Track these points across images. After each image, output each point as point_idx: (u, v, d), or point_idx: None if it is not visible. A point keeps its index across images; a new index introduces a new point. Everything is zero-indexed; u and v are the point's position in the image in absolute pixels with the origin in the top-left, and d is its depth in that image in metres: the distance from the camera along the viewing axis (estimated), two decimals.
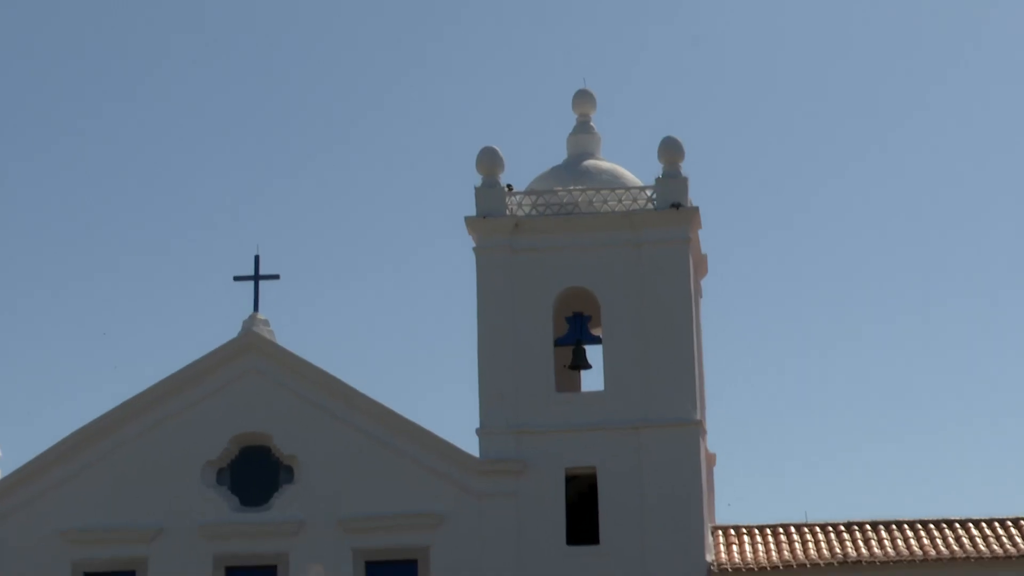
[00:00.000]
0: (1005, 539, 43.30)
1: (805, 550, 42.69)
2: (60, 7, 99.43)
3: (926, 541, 43.19)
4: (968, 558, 41.93)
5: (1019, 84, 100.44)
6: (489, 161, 43.31)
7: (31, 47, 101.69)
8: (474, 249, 43.10)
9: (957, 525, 44.37)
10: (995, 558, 41.95)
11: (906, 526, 44.41)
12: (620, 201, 42.99)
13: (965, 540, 43.27)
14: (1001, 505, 44.89)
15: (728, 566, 41.27)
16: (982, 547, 42.46)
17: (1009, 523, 44.52)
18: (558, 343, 42.76)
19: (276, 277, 43.84)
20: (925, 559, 41.76)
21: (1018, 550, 42.19)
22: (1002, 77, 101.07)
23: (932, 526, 44.29)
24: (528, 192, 44.05)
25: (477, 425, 41.83)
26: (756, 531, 44.45)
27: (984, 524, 44.57)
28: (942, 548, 42.48)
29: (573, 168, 44.83)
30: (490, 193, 43.08)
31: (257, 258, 43.65)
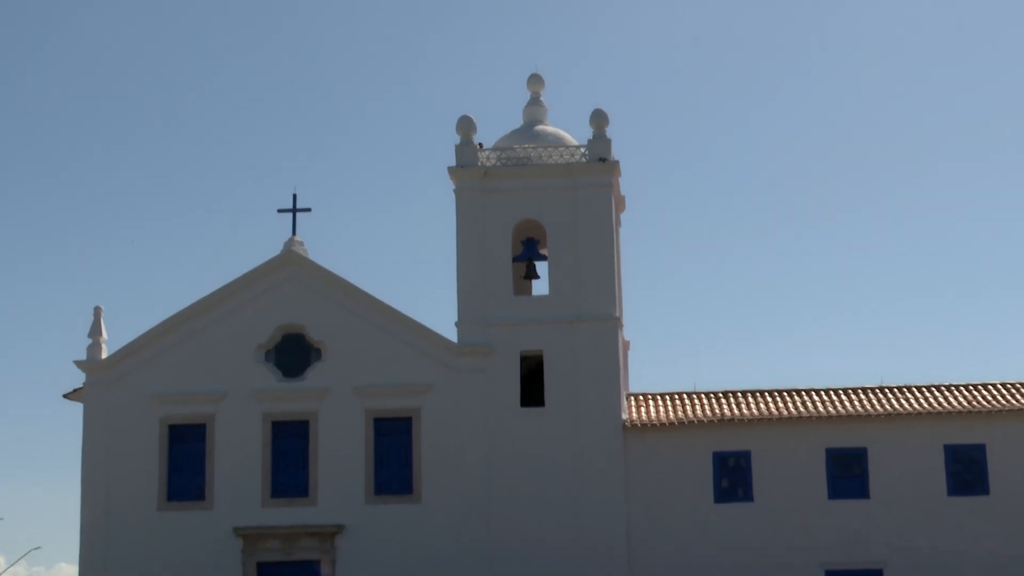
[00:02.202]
0: (849, 402, 45.07)
1: (694, 410, 44.74)
2: None
3: (789, 404, 45.14)
4: (819, 416, 43.73)
5: None
6: (465, 125, 45.47)
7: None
8: (454, 191, 45.27)
9: (814, 393, 46.14)
10: (839, 416, 43.75)
11: (776, 394, 46.26)
12: (561, 156, 45.27)
13: (819, 403, 45.14)
14: (857, 379, 47.16)
15: (637, 422, 43.55)
16: (831, 410, 44.28)
17: (858, 390, 46.23)
18: (515, 260, 45.13)
19: (308, 210, 45.93)
20: (782, 417, 43.64)
21: (850, 411, 44.05)
22: None
23: (795, 393, 46.27)
24: (494, 148, 46.04)
25: (455, 319, 44.35)
26: (659, 396, 46.39)
27: (840, 391, 46.19)
28: (801, 409, 44.45)
29: (527, 131, 46.92)
30: (466, 149, 45.26)
31: (295, 196, 45.67)
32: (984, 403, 44.53)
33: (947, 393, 45.92)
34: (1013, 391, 45.71)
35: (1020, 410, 43.48)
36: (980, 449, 43.37)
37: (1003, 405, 44.03)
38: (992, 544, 42.53)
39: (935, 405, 44.59)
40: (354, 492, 43.36)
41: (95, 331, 45.06)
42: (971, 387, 46.47)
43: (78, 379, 44.87)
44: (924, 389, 46.44)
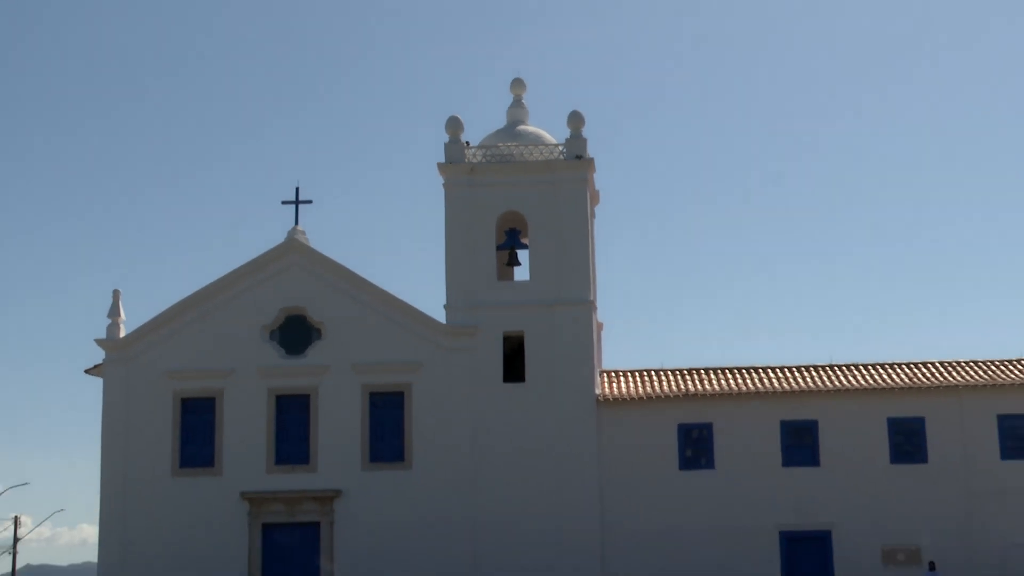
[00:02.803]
0: (801, 379, 45.12)
1: (661, 386, 44.97)
2: None
3: (747, 380, 45.35)
4: (774, 391, 43.90)
5: None
6: (453, 125, 45.42)
7: None
8: (443, 185, 45.20)
9: (770, 370, 46.27)
10: (792, 392, 43.78)
11: (735, 371, 46.37)
12: (541, 154, 45.34)
13: (774, 379, 45.28)
14: (809, 357, 47.73)
15: (610, 396, 43.84)
16: (785, 385, 44.42)
17: (810, 367, 46.34)
18: (499, 248, 45.21)
19: (310, 202, 46.21)
20: (741, 392, 43.83)
21: (802, 387, 44.08)
22: None
23: (753, 370, 46.40)
24: (479, 146, 46.00)
25: (444, 302, 44.34)
26: (629, 373, 46.68)
27: (793, 369, 46.34)
28: (758, 385, 44.68)
29: (510, 131, 46.92)
30: (454, 147, 45.23)
31: (297, 189, 45.82)
32: (923, 380, 44.87)
33: (890, 370, 46.23)
34: (950, 369, 46.11)
35: (955, 386, 43.86)
36: (920, 422, 43.66)
37: (940, 382, 44.40)
38: (930, 508, 42.92)
39: (879, 381, 44.94)
40: (351, 460, 43.49)
41: (114, 312, 45.16)
42: (912, 365, 46.73)
43: (98, 356, 44.98)
44: (869, 367, 46.71)
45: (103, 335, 44.69)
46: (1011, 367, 46.00)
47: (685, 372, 46.99)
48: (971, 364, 46.57)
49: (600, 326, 46.57)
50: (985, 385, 43.78)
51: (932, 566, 41.68)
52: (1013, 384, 43.76)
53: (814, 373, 46.24)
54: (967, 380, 44.43)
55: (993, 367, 46.11)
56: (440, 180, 45.65)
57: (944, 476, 43.14)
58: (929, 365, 46.64)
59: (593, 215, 47.55)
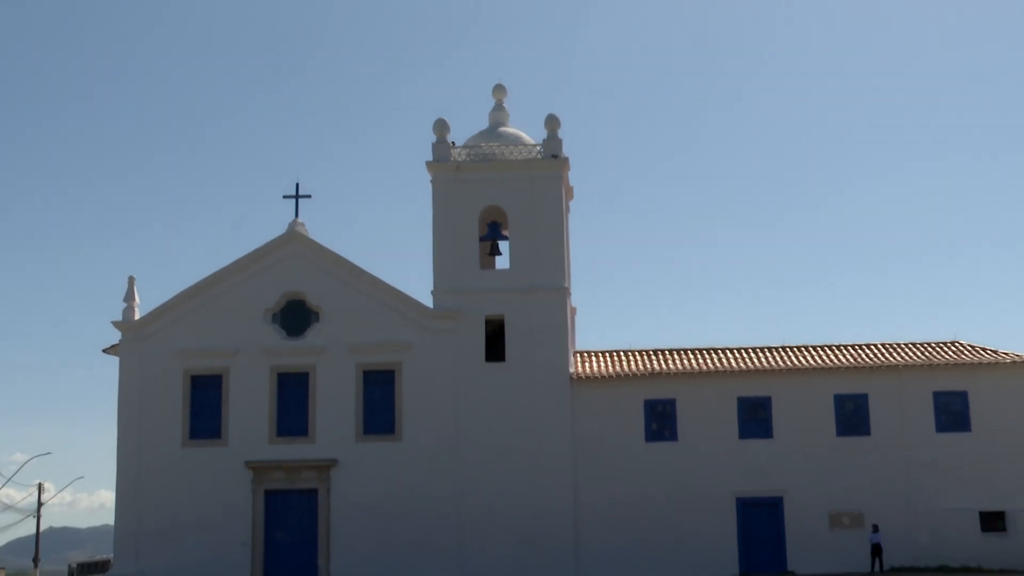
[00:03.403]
0: (757, 359, 45.19)
1: (629, 365, 45.18)
2: None
3: (707, 360, 45.44)
4: (732, 370, 43.89)
5: None
6: (440, 127, 45.37)
7: None
8: (431, 181, 45.10)
9: (728, 351, 46.34)
10: (748, 371, 43.91)
11: (697, 351, 46.47)
12: (520, 153, 45.35)
13: (732, 359, 45.28)
14: (764, 339, 47.82)
15: (582, 374, 43.84)
16: (742, 365, 44.49)
17: (764, 349, 46.35)
18: (482, 239, 45.27)
19: (309, 196, 46.02)
20: (702, 371, 43.94)
21: (758, 366, 44.12)
22: None
23: (713, 351, 46.41)
24: (464, 146, 45.94)
25: (431, 288, 44.33)
26: (600, 353, 46.69)
27: (749, 349, 46.46)
28: (717, 364, 44.77)
29: (492, 132, 46.89)
30: (441, 147, 45.22)
31: (297, 184, 45.70)
32: (866, 360, 45.07)
33: (837, 351, 46.39)
34: (890, 350, 46.31)
35: (895, 366, 44.11)
36: (863, 398, 43.87)
37: (882, 362, 44.61)
38: (872, 476, 43.22)
39: (826, 361, 45.10)
40: (346, 432, 43.48)
41: (129, 297, 45.08)
42: (856, 347, 46.91)
43: (115, 337, 44.89)
44: (817, 348, 46.88)
45: (119, 318, 44.63)
46: (945, 349, 46.22)
47: (651, 352, 47.07)
48: (909, 346, 46.78)
49: (574, 310, 46.56)
50: (922, 365, 44.03)
51: (875, 528, 42.05)
52: (947, 364, 44.00)
53: (768, 354, 46.37)
54: (906, 361, 44.63)
55: (929, 349, 46.33)
56: (428, 177, 45.54)
57: (885, 448, 43.35)
58: (871, 347, 46.79)
59: (568, 209, 47.49)
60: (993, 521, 42.60)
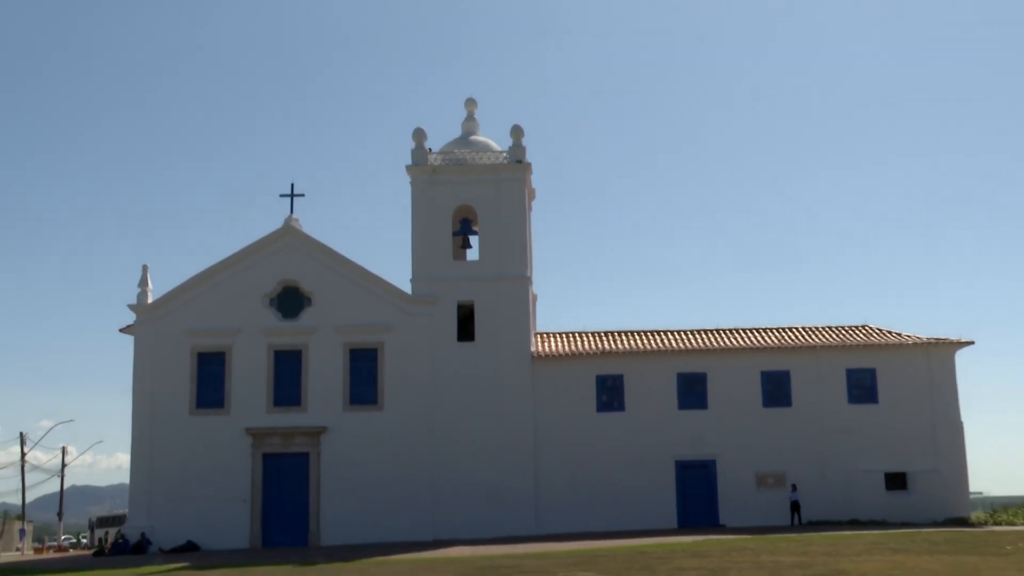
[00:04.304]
0: (694, 339, 45.11)
1: (582, 344, 45.29)
2: None
3: (651, 340, 45.39)
4: (672, 350, 43.73)
5: None
6: (419, 135, 45.16)
7: None
8: (410, 183, 44.77)
9: (669, 333, 46.30)
10: (687, 350, 43.75)
11: (641, 333, 46.54)
12: (489, 159, 45.24)
13: (672, 340, 45.26)
14: (700, 322, 47.53)
15: (542, 353, 43.90)
16: (681, 344, 44.39)
17: (701, 331, 46.26)
18: (455, 234, 45.10)
19: (303, 195, 45.71)
20: (646, 350, 43.78)
21: (695, 346, 43.93)
22: None
23: (656, 333, 46.50)
24: (439, 152, 45.62)
25: (410, 276, 44.11)
26: (558, 334, 46.93)
27: (687, 331, 46.41)
28: (659, 344, 44.67)
29: (464, 140, 46.77)
30: (419, 153, 44.94)
31: (292, 185, 45.38)
32: (789, 341, 45.36)
33: (763, 333, 46.65)
34: (810, 332, 46.64)
35: (813, 346, 44.37)
36: (786, 374, 44.13)
37: (802, 343, 44.91)
38: (793, 442, 43.49)
39: (754, 342, 45.33)
40: (335, 402, 43.34)
41: (143, 282, 44.79)
42: (780, 329, 47.17)
43: (130, 318, 44.57)
44: (747, 330, 47.12)
45: (134, 301, 44.39)
46: (857, 331, 46.55)
47: (602, 334, 47.17)
48: (826, 329, 47.03)
49: (535, 297, 46.54)
50: (836, 346, 44.30)
51: (794, 487, 42.39)
52: (858, 345, 44.32)
53: (704, 335, 46.53)
54: (823, 342, 44.89)
55: (843, 331, 46.63)
56: (407, 179, 45.33)
57: (804, 417, 43.66)
58: (793, 330, 47.05)
59: (530, 208, 47.35)
60: (896, 481, 42.94)
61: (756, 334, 46.48)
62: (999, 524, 41.38)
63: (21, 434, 76.58)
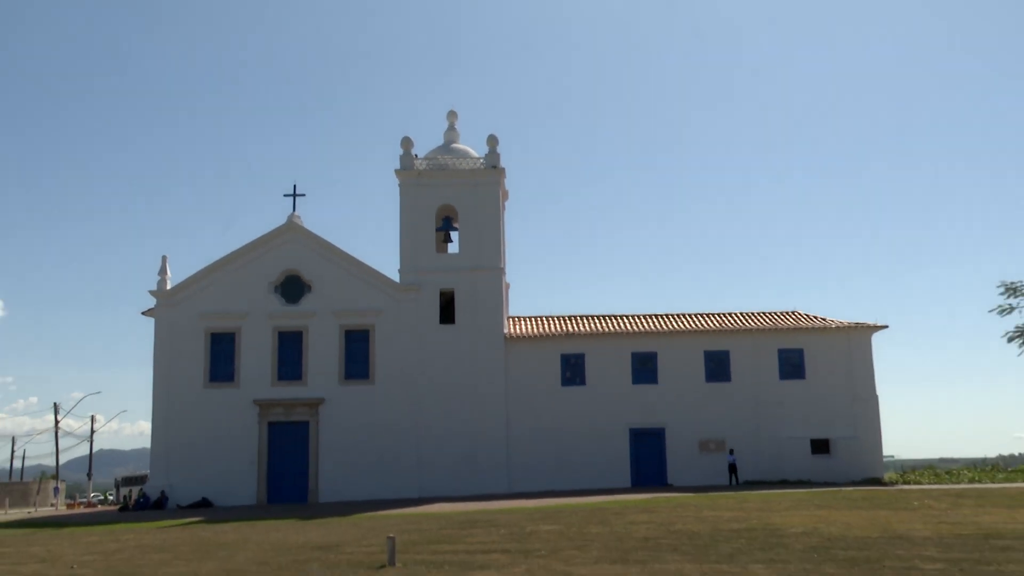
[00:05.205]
0: (646, 323, 44.72)
1: (549, 327, 45.08)
2: None
3: (609, 323, 45.09)
4: (628, 332, 43.39)
5: None
6: (407, 143, 44.88)
7: None
8: (399, 185, 44.51)
9: (625, 317, 46.01)
10: (640, 332, 43.23)
11: (601, 317, 46.21)
12: (468, 164, 44.89)
13: (627, 323, 44.81)
14: (652, 308, 46.88)
15: (514, 335, 43.63)
16: (635, 327, 44.02)
17: (652, 315, 45.98)
18: (438, 230, 44.71)
19: (304, 195, 45.24)
20: (605, 332, 43.54)
21: (647, 329, 43.60)
22: None
23: (613, 317, 46.06)
24: (424, 158, 45.28)
25: (399, 267, 43.82)
26: (528, 318, 46.77)
27: (641, 316, 46.11)
28: (616, 327, 44.31)
29: (446, 148, 46.29)
30: (406, 158, 44.70)
31: (295, 185, 44.94)
32: (729, 324, 45.37)
33: (706, 318, 46.65)
34: (746, 317, 46.70)
35: (750, 329, 44.40)
36: (726, 354, 44.20)
37: (740, 326, 44.90)
38: (731, 413, 43.59)
39: (699, 325, 45.30)
40: (331, 377, 43.12)
41: (162, 271, 44.45)
42: (721, 315, 47.19)
43: (151, 302, 44.28)
44: (693, 315, 47.12)
45: (155, 287, 44.05)
46: (787, 316, 46.67)
47: (566, 317, 47.13)
48: (760, 314, 47.08)
49: (507, 285, 46.27)
50: (770, 329, 44.39)
51: (732, 451, 42.54)
52: (788, 328, 44.41)
53: (655, 319, 46.54)
54: (758, 325, 44.95)
55: (775, 316, 46.71)
56: (396, 182, 45.10)
57: (741, 391, 43.78)
58: (733, 315, 47.04)
59: (504, 207, 46.97)
60: (820, 446, 43.14)
61: (700, 319, 46.51)
62: (908, 483, 41.70)
63: (55, 404, 76.15)
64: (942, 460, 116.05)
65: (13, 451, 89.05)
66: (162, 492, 42.15)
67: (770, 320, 45.97)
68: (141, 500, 42.70)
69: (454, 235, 45.83)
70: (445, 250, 46.14)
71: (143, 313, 44.54)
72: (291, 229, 44.30)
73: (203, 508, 40.12)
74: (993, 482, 40.82)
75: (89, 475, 77.86)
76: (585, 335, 44.18)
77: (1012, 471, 46.80)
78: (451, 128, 48.05)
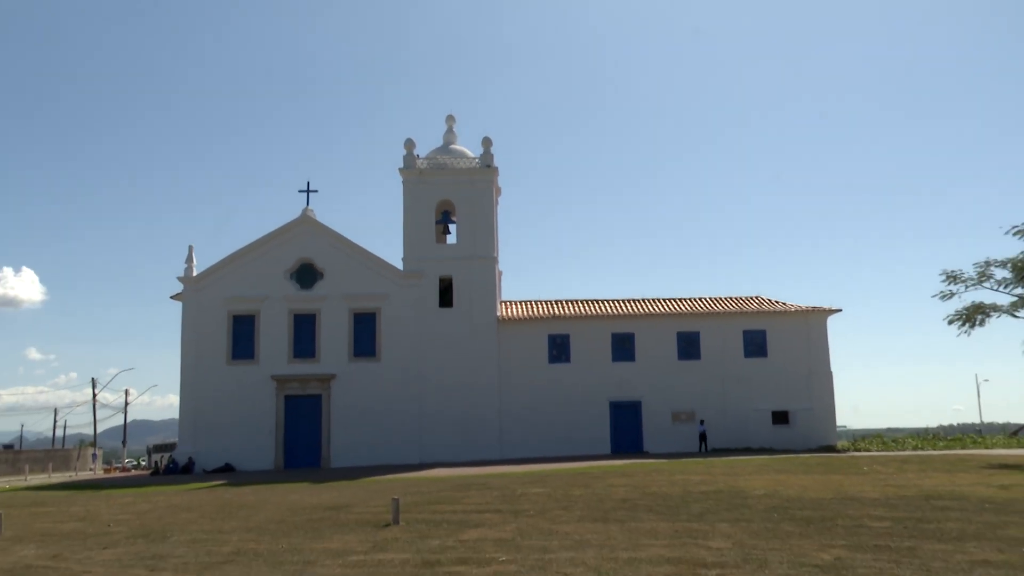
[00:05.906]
0: (625, 306, 44.52)
1: (537, 310, 45.03)
2: None
3: (591, 307, 45.04)
4: (608, 315, 43.37)
5: None
6: (409, 144, 44.63)
7: None
8: (402, 182, 44.26)
9: (605, 301, 45.73)
10: (619, 315, 43.32)
11: (584, 301, 46.01)
12: (465, 164, 44.65)
13: (607, 306, 44.77)
14: (630, 292, 47.00)
15: (506, 317, 43.44)
16: (615, 310, 43.94)
17: (630, 300, 45.62)
18: (438, 223, 44.37)
19: (316, 191, 46.47)
20: (587, 315, 43.39)
21: (626, 312, 43.49)
22: None
23: (595, 301, 45.71)
24: (425, 158, 44.99)
25: (402, 255, 43.60)
26: (518, 302, 46.65)
27: (620, 300, 45.60)
28: (597, 310, 44.13)
29: (445, 148, 46.03)
30: (409, 158, 44.48)
31: (308, 182, 46.27)
32: (699, 308, 45.31)
33: (679, 302, 46.58)
34: (714, 301, 46.69)
35: (718, 312, 44.31)
36: (696, 334, 44.08)
37: (709, 310, 44.87)
38: (701, 387, 43.22)
39: (672, 309, 45.22)
40: (342, 355, 42.93)
41: (189, 259, 44.21)
42: (693, 299, 47.13)
43: (179, 287, 44.04)
44: (666, 299, 47.04)
45: (182, 274, 43.83)
46: (751, 301, 46.64)
47: (553, 302, 47.04)
48: (728, 299, 47.04)
49: (500, 273, 46.24)
50: (736, 312, 44.32)
51: (702, 422, 42.58)
52: (752, 312, 44.35)
53: (632, 303, 46.39)
54: (725, 309, 44.89)
55: (741, 300, 46.70)
56: (400, 179, 44.87)
57: (710, 368, 43.67)
58: (702, 299, 47.02)
59: (497, 202, 46.92)
60: (780, 417, 43.15)
61: (673, 303, 46.42)
62: (858, 451, 41.75)
63: (93, 379, 76.09)
64: (889, 429, 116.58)
65: (55, 421, 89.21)
66: (189, 458, 42.05)
67: (736, 304, 45.93)
68: (171, 465, 42.62)
69: (452, 227, 45.61)
70: (444, 241, 45.81)
71: (172, 297, 44.29)
72: (305, 222, 44.08)
73: (226, 473, 40.08)
74: (934, 449, 41.01)
75: (124, 443, 77.94)
76: (570, 317, 44.05)
77: (951, 440, 47.02)
78: (450, 131, 47.76)
